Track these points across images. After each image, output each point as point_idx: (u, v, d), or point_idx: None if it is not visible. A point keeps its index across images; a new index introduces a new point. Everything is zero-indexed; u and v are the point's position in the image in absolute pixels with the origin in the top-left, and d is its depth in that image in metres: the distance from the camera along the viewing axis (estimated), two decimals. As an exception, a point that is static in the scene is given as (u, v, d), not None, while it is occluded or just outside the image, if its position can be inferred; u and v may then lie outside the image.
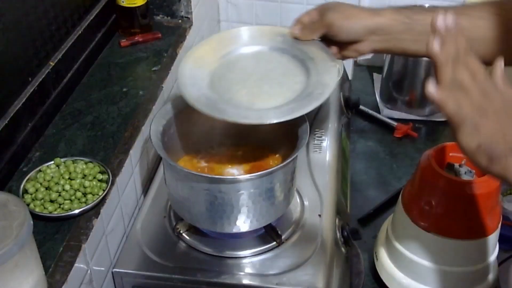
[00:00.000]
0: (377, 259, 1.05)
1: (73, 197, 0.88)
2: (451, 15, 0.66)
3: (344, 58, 0.96)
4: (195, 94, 0.87)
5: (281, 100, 0.87)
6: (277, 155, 0.97)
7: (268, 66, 0.93)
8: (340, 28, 0.89)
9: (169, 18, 1.39)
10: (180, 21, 1.38)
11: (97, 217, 0.87)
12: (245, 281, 0.89)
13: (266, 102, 0.87)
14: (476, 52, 0.77)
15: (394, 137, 1.41)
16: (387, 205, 1.21)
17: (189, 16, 1.38)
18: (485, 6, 0.84)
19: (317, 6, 0.94)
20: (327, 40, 0.93)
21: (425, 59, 1.39)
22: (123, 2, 1.26)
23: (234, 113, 0.84)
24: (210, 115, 0.84)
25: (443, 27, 0.65)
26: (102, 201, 0.89)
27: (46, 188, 0.89)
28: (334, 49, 0.93)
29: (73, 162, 0.93)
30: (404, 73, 1.45)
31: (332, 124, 1.21)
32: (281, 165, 0.84)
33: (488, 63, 0.68)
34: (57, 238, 0.83)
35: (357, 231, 1.02)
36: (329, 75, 0.90)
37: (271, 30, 0.99)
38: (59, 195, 0.88)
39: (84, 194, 0.89)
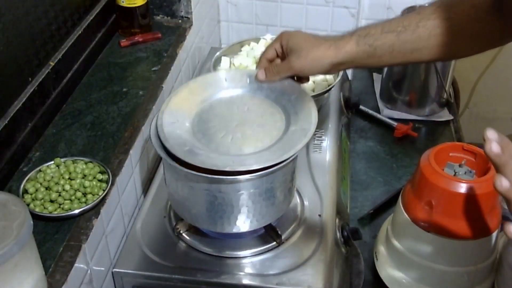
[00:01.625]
0: (377, 259, 1.05)
1: (73, 197, 0.88)
2: (492, 131, 0.59)
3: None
4: (182, 149, 0.84)
5: (268, 141, 0.87)
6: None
7: (243, 110, 0.93)
8: (308, 71, 0.92)
9: (169, 18, 1.39)
10: (180, 21, 1.38)
11: (97, 217, 0.87)
12: (245, 281, 0.89)
13: (254, 146, 0.86)
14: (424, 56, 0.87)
15: (394, 137, 1.41)
16: (387, 205, 1.21)
17: (189, 16, 1.38)
18: (436, 12, 0.86)
19: (279, 40, 0.93)
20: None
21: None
22: (123, 2, 1.26)
23: (228, 160, 0.82)
24: (207, 167, 0.81)
25: (499, 151, 0.59)
26: (102, 201, 0.89)
27: (46, 188, 0.89)
28: (303, 80, 0.96)
29: (73, 162, 0.93)
30: (404, 73, 1.45)
31: (332, 124, 1.21)
32: (281, 165, 0.83)
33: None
34: (57, 238, 0.83)
35: (357, 231, 1.02)
36: (306, 107, 0.90)
37: (236, 74, 0.98)
38: (59, 195, 0.88)
39: (84, 194, 0.89)
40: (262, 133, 0.88)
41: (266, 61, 0.95)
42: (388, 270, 1.02)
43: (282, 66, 0.93)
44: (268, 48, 0.95)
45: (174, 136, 0.86)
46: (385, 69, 1.49)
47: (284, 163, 0.84)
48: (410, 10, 1.42)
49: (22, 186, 0.88)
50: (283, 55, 0.93)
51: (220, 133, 0.88)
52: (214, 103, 0.95)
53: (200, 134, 0.88)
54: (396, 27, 0.87)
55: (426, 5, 0.88)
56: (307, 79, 0.97)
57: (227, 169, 0.81)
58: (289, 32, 0.93)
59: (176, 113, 0.91)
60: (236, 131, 0.88)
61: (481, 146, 0.95)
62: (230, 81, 0.97)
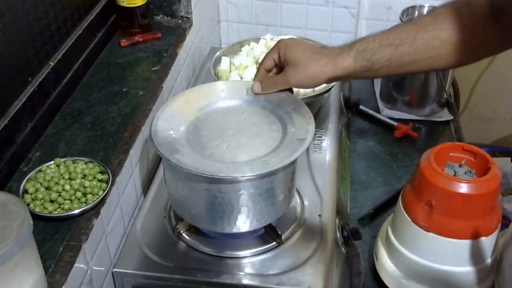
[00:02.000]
0: (377, 259, 1.05)
1: (73, 197, 0.88)
2: None
3: None
4: (174, 155, 0.84)
5: (263, 150, 0.86)
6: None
7: (239, 119, 0.93)
8: (305, 85, 0.94)
9: (169, 18, 1.39)
10: (180, 21, 1.38)
11: (97, 217, 0.87)
12: (245, 281, 0.89)
13: (249, 154, 0.86)
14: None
15: (394, 137, 1.41)
16: (387, 205, 1.21)
17: (189, 16, 1.38)
18: (433, 23, 0.85)
19: (277, 49, 0.92)
20: None
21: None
22: (123, 2, 1.27)
23: (223, 167, 0.82)
24: (203, 175, 0.81)
25: None
26: (102, 201, 0.89)
27: (46, 188, 0.89)
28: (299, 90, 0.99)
29: (73, 162, 0.93)
30: (404, 73, 1.45)
31: (332, 124, 1.21)
32: (281, 165, 0.83)
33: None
34: (57, 238, 0.83)
35: (357, 231, 1.02)
36: (303, 118, 0.90)
37: (234, 85, 0.98)
38: (59, 195, 0.88)
39: (84, 194, 0.90)
40: (258, 142, 0.88)
41: (264, 71, 0.95)
42: (388, 270, 1.02)
43: (279, 79, 0.93)
44: (266, 58, 0.94)
45: (167, 142, 0.86)
46: (385, 69, 1.49)
47: (285, 163, 0.84)
48: (410, 10, 1.42)
49: (22, 186, 0.88)
50: (281, 64, 0.93)
51: (215, 141, 0.88)
52: (211, 112, 0.95)
53: (195, 141, 0.88)
54: (394, 40, 0.85)
55: (425, 10, 0.88)
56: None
57: (221, 175, 0.81)
58: (286, 41, 0.93)
59: (172, 119, 0.91)
60: (231, 140, 0.88)
61: (481, 146, 0.95)
62: (227, 92, 0.97)
